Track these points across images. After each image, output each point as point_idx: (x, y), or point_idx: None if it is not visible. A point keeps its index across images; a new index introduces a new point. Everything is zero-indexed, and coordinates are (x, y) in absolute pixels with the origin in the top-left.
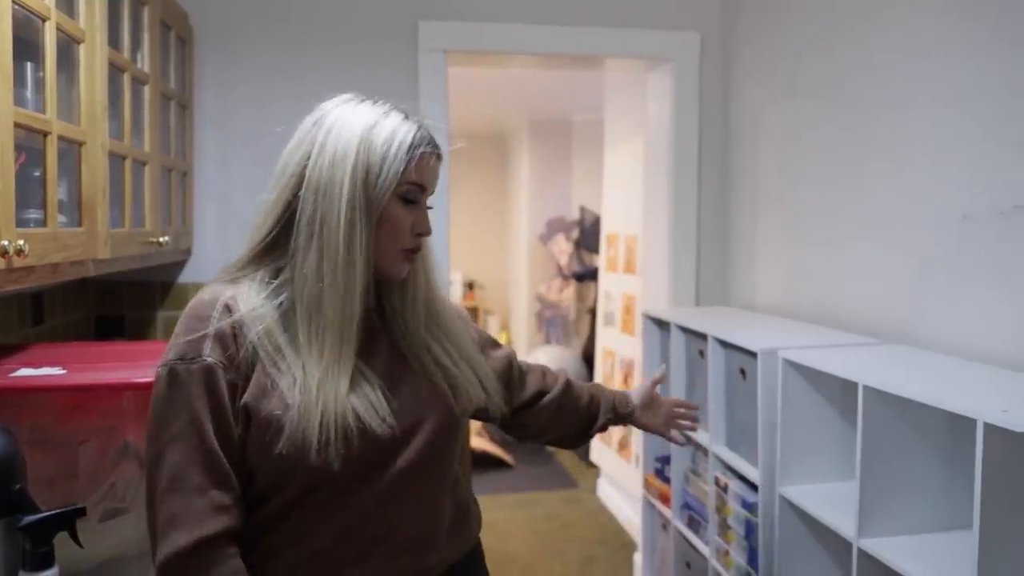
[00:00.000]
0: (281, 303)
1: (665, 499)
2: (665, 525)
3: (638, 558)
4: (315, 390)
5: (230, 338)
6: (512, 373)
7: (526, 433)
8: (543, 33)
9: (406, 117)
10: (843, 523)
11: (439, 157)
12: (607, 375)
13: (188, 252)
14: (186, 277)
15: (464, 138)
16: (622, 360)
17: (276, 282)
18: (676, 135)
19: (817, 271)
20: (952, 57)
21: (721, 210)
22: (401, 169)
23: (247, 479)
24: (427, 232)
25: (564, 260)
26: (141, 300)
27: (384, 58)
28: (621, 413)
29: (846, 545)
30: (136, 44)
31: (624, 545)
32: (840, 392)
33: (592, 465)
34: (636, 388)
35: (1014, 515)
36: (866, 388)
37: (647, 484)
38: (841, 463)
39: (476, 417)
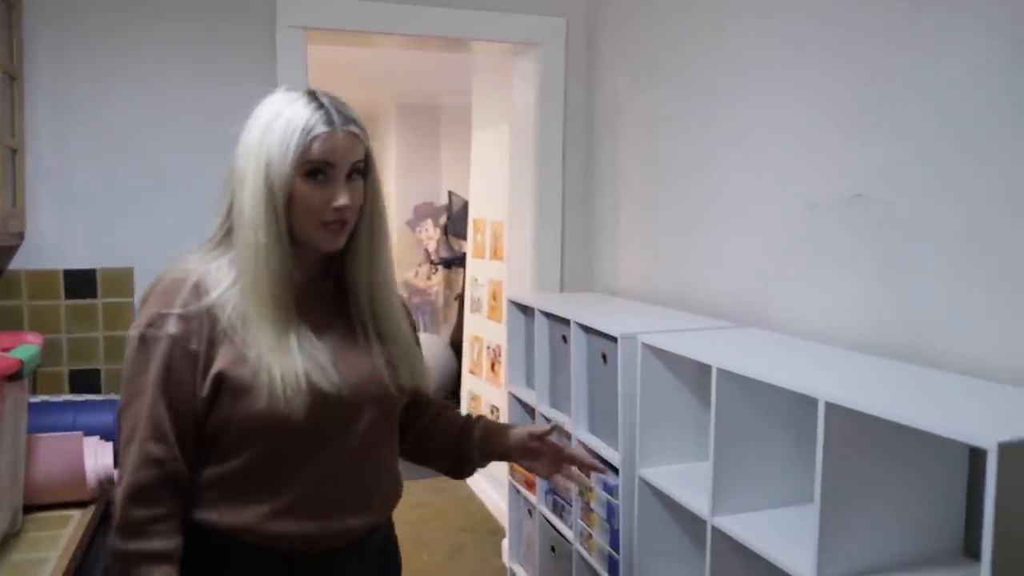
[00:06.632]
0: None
1: (530, 485)
2: (531, 510)
3: (506, 544)
4: (270, 354)
5: (198, 317)
6: None
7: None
8: (408, 13)
9: (311, 101)
10: (698, 502)
11: (351, 134)
12: (475, 361)
13: (20, 236)
14: (19, 263)
15: None
16: (489, 346)
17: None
18: (541, 121)
19: (675, 257)
20: (803, 50)
21: (585, 196)
22: (297, 153)
23: (215, 435)
24: (345, 204)
25: (432, 246)
26: None
27: (239, 33)
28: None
29: (701, 523)
30: None
31: (492, 532)
32: (696, 375)
33: None
34: (517, 430)
35: (853, 489)
36: (719, 370)
37: (512, 470)
38: (697, 444)
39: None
